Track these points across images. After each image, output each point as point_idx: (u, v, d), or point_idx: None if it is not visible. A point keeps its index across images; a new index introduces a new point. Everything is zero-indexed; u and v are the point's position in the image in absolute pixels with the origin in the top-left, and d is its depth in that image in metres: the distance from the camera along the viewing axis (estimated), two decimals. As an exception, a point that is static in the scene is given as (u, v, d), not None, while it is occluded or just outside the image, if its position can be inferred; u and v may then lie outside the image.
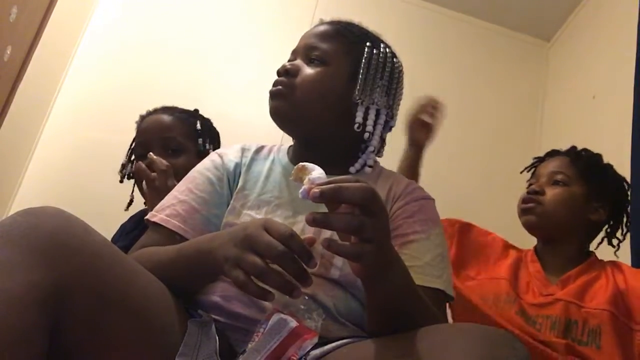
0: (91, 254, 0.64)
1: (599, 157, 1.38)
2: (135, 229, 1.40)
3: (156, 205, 1.17)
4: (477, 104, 2.62)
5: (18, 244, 0.59)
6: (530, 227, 1.33)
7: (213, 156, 1.02)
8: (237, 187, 0.96)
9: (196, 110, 1.49)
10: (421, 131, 1.42)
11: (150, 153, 1.25)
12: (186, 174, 1.29)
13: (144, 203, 1.33)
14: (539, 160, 1.43)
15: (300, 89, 0.95)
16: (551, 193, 1.29)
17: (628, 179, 1.61)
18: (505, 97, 2.65)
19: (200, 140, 1.41)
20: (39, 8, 1.93)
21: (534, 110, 2.64)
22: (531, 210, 1.30)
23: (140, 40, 2.45)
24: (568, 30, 2.61)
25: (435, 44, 2.65)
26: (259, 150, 1.04)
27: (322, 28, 1.02)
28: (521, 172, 1.49)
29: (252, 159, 1.01)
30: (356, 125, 0.96)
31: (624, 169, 1.66)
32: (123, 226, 1.45)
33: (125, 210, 1.42)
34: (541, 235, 1.33)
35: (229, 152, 1.02)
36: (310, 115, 0.96)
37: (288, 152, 1.04)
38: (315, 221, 0.59)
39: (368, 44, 1.00)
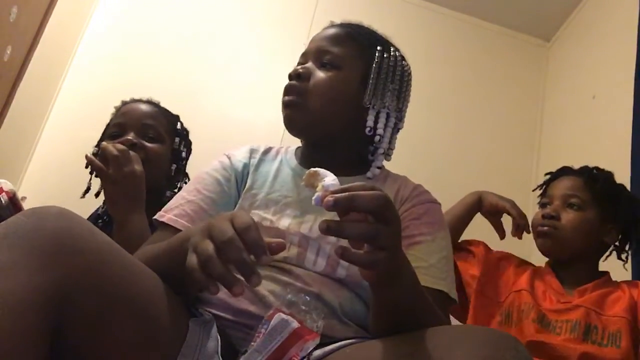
0: (95, 255, 0.64)
1: (612, 178, 1.37)
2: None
3: (114, 199, 1.14)
4: (477, 103, 2.62)
5: (21, 246, 0.59)
6: (546, 252, 1.34)
7: (222, 158, 1.03)
8: (245, 187, 0.97)
9: (178, 115, 1.48)
10: (495, 216, 1.43)
11: (103, 142, 1.20)
12: (158, 161, 1.28)
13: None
14: (551, 178, 1.42)
15: (313, 93, 0.95)
16: (566, 218, 1.29)
17: (628, 179, 1.61)
18: (505, 97, 2.66)
19: (177, 139, 1.40)
20: (39, 8, 1.93)
21: (534, 110, 2.64)
22: (547, 235, 1.29)
23: (140, 40, 2.45)
24: (568, 30, 2.61)
25: (435, 44, 2.65)
26: (266, 151, 1.05)
27: (333, 31, 1.02)
28: (533, 190, 1.49)
29: (260, 160, 1.02)
30: (367, 129, 0.96)
31: (624, 169, 1.67)
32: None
33: (81, 197, 1.40)
34: (555, 257, 1.34)
35: (237, 153, 1.03)
36: (323, 120, 0.96)
37: (296, 154, 1.05)
38: (329, 229, 0.58)
39: (379, 47, 1.00)
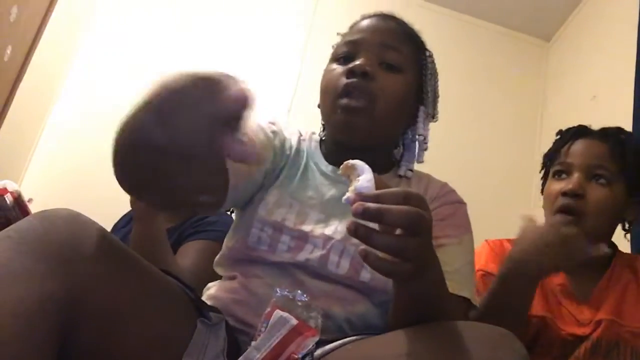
0: (105, 261, 0.64)
1: (638, 143, 1.12)
2: (127, 224, 1.40)
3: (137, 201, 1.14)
4: (477, 103, 2.62)
5: (32, 251, 0.58)
6: None
7: (279, 128, 0.95)
8: (279, 175, 0.91)
9: None
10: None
11: None
12: None
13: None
14: (567, 139, 1.13)
15: (381, 99, 0.87)
16: (594, 196, 1.04)
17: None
18: (505, 97, 2.66)
19: None
20: (39, 8, 1.93)
21: (534, 110, 2.65)
22: (570, 223, 1.03)
23: (140, 38, 2.45)
24: (568, 30, 2.61)
25: (435, 44, 2.62)
26: (299, 141, 0.98)
27: (391, 25, 0.96)
28: (546, 154, 1.22)
29: (296, 152, 0.95)
30: (421, 137, 0.96)
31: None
32: (115, 225, 1.46)
33: None
34: None
35: (291, 134, 0.97)
36: (383, 127, 0.90)
37: (322, 150, 0.97)
38: (357, 234, 0.55)
39: (428, 52, 1.00)
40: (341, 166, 0.63)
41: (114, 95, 2.32)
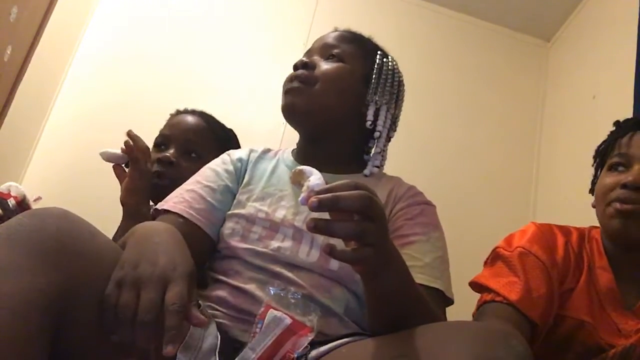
0: (96, 257, 0.64)
1: None
2: None
3: (134, 188, 1.19)
4: (477, 104, 2.62)
5: (23, 247, 0.59)
6: (624, 237, 1.00)
7: (222, 155, 1.08)
8: (243, 181, 1.01)
9: (232, 132, 1.48)
10: None
11: (130, 129, 1.23)
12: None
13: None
14: (625, 129, 1.05)
15: (320, 80, 0.99)
16: None
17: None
18: (505, 97, 2.65)
19: None
20: (39, 8, 1.93)
21: (534, 110, 2.64)
22: (632, 214, 0.95)
23: (140, 38, 2.45)
24: (568, 30, 2.61)
25: (435, 44, 2.65)
26: (265, 151, 1.09)
27: (338, 33, 1.08)
28: (599, 146, 1.15)
29: (259, 157, 1.06)
30: (368, 123, 1.01)
31: (624, 169, 1.66)
32: None
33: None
34: (631, 244, 1.01)
35: (236, 151, 1.08)
36: (326, 108, 0.99)
37: (293, 153, 1.08)
38: (317, 228, 0.59)
39: (380, 52, 1.06)
40: (290, 175, 0.67)
41: (114, 95, 2.32)
